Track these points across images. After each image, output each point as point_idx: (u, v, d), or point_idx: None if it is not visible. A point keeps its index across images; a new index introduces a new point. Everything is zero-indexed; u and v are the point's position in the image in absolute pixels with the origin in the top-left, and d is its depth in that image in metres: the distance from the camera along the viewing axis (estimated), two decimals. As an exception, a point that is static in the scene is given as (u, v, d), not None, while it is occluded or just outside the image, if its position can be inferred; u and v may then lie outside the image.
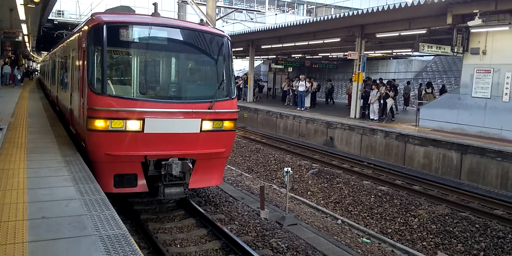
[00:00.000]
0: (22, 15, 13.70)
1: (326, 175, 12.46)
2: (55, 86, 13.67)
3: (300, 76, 22.44)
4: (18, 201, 4.51)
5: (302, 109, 21.44)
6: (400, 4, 12.99)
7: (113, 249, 3.46)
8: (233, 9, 28.02)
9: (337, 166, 13.60)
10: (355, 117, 18.08)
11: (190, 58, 7.78)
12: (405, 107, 24.27)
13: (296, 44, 22.86)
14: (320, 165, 13.81)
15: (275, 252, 6.39)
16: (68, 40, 10.50)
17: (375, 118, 17.20)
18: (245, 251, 5.94)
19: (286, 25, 18.96)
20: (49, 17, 24.66)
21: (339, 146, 16.59)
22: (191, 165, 6.78)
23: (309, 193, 11.80)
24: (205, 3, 18.14)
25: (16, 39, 19.43)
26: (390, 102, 17.58)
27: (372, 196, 10.79)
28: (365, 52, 18.25)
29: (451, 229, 8.86)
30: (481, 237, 8.47)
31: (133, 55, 7.07)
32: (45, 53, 43.78)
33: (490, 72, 12.89)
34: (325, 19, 16.41)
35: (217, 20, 18.91)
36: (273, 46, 25.33)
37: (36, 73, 49.73)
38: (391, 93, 17.73)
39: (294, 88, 23.34)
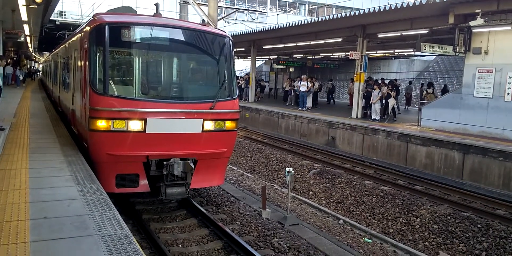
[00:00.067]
0: (24, 16, 13.71)
1: (327, 175, 12.45)
2: (57, 86, 13.71)
3: (302, 76, 22.42)
4: (20, 201, 4.53)
5: (304, 109, 21.43)
6: (402, 4, 12.97)
7: (115, 249, 3.47)
8: (235, 10, 28.01)
9: (339, 166, 13.59)
10: (356, 117, 18.06)
11: (191, 58, 7.79)
12: (407, 107, 24.23)
13: (298, 44, 22.86)
14: (321, 165, 13.80)
15: (277, 252, 6.38)
16: (70, 41, 10.53)
17: (377, 118, 17.18)
18: (246, 251, 5.95)
19: (287, 25, 18.94)
20: (51, 18, 24.69)
21: (341, 146, 16.58)
22: (192, 165, 6.78)
23: (310, 193, 11.79)
24: (206, 3, 18.16)
25: (18, 40, 19.51)
26: (392, 102, 17.55)
27: (374, 196, 10.78)
28: (366, 52, 18.24)
29: (453, 229, 8.84)
30: (483, 237, 8.45)
31: (134, 56, 7.08)
32: (47, 53, 43.84)
33: (492, 72, 12.87)
34: (327, 19, 16.40)
35: (218, 20, 18.94)
36: (274, 46, 25.32)
37: (38, 73, 49.84)
38: (393, 93, 17.71)
39: (295, 88, 23.33)
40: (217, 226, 6.88)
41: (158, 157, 6.71)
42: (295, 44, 23.13)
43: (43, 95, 21.17)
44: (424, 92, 20.71)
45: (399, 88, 23.46)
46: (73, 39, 9.65)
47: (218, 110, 6.98)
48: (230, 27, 30.35)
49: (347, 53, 21.24)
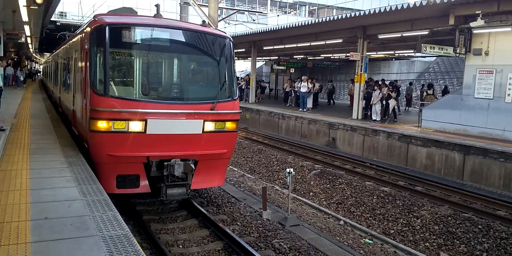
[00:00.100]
0: (24, 17, 13.72)
1: (328, 176, 12.45)
2: (58, 87, 13.72)
3: (302, 77, 22.43)
4: (21, 201, 4.53)
5: (304, 110, 21.43)
6: (402, 5, 12.98)
7: (116, 249, 3.47)
8: (235, 11, 28.08)
9: (340, 167, 13.59)
10: (357, 118, 18.06)
11: (192, 59, 7.80)
12: (407, 108, 24.22)
13: (298, 45, 22.88)
14: (322, 166, 13.80)
15: (277, 253, 6.38)
16: (70, 42, 10.54)
17: (377, 119, 17.18)
18: (247, 252, 5.94)
19: (288, 26, 18.97)
20: (51, 19, 24.74)
21: (341, 147, 16.58)
22: (193, 166, 6.78)
23: (311, 194, 11.79)
24: (207, 4, 18.17)
25: (19, 41, 19.53)
26: (392, 103, 17.55)
27: (375, 197, 10.78)
28: (367, 53, 18.24)
29: (453, 230, 8.84)
30: (484, 238, 8.44)
31: (135, 56, 7.09)
32: (47, 54, 43.93)
33: (492, 73, 12.87)
34: (327, 20, 16.41)
35: (219, 21, 18.94)
36: (275, 47, 25.34)
37: (38, 74, 49.88)
38: (393, 94, 17.70)
39: (296, 89, 23.34)
40: (218, 227, 6.87)
41: (159, 158, 6.71)
42: (295, 45, 23.15)
43: (43, 96, 21.19)
44: (424, 93, 20.71)
45: (400, 89, 23.45)
46: (73, 40, 9.65)
47: (219, 111, 6.99)
48: (230, 28, 30.39)
49: (348, 54, 21.23)
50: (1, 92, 9.66)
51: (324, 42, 20.69)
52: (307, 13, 48.39)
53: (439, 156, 12.72)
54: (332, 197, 11.34)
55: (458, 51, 13.62)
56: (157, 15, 7.49)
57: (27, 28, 17.63)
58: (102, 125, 6.31)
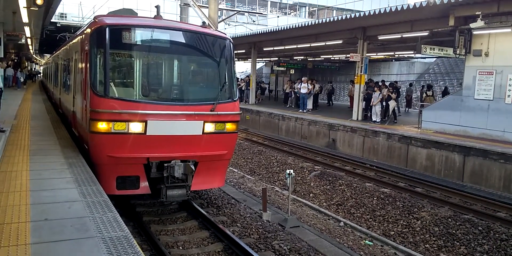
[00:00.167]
0: (25, 18, 13.74)
1: (328, 177, 12.45)
2: (58, 88, 13.72)
3: (302, 78, 22.44)
4: (21, 203, 4.53)
5: (304, 111, 21.43)
6: (402, 6, 12.99)
7: (116, 251, 3.46)
8: (235, 12, 28.12)
9: (340, 168, 13.58)
10: (357, 119, 18.06)
11: (192, 60, 7.81)
12: (407, 109, 24.23)
13: (298, 46, 22.91)
14: (322, 167, 13.79)
15: (277, 255, 6.38)
16: (70, 43, 10.55)
17: (377, 120, 17.17)
18: (247, 253, 5.94)
19: (288, 28, 18.98)
20: (52, 20, 24.73)
21: (341, 148, 16.58)
22: (193, 167, 6.78)
23: (311, 195, 11.78)
24: (207, 5, 18.20)
25: (19, 42, 19.51)
26: (392, 104, 17.55)
27: (375, 198, 10.77)
28: (367, 54, 18.26)
29: (454, 231, 8.83)
30: (484, 239, 8.43)
31: (135, 58, 7.10)
32: (48, 55, 43.92)
33: (492, 74, 12.87)
34: (327, 21, 16.43)
35: (219, 22, 18.97)
36: (275, 48, 25.37)
37: (39, 75, 49.91)
38: (393, 95, 17.70)
39: (296, 90, 23.35)
40: (218, 228, 6.87)
41: (159, 159, 6.71)
42: (295, 46, 23.17)
43: (43, 97, 21.19)
44: (424, 95, 20.72)
45: (400, 90, 23.45)
46: (74, 41, 9.66)
47: (219, 112, 6.99)
48: (230, 29, 30.44)
49: (348, 55, 21.28)
50: (1, 93, 9.66)
51: (324, 43, 20.71)
52: (307, 14, 48.45)
53: (439, 157, 12.72)
54: (332, 198, 11.33)
55: (458, 52, 13.63)
56: (157, 16, 7.50)
57: (27, 29, 17.65)
58: (102, 126, 6.31)
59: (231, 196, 9.28)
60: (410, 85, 25.50)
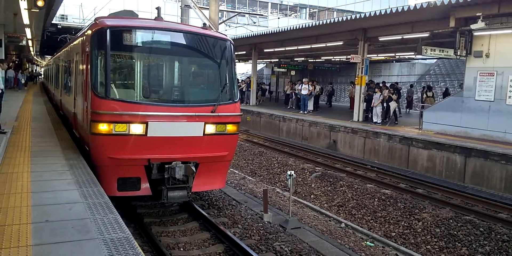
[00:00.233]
0: (26, 20, 13.78)
1: (329, 179, 12.44)
2: (59, 90, 13.74)
3: (303, 80, 22.45)
4: (22, 204, 4.53)
5: (305, 112, 21.43)
6: (403, 7, 13.00)
7: (117, 252, 3.46)
8: (236, 13, 28.15)
9: (341, 170, 13.57)
10: (358, 120, 18.05)
11: (193, 62, 7.82)
12: (408, 110, 24.22)
13: (299, 47, 22.91)
14: (323, 168, 13.78)
15: (279, 256, 6.37)
16: (71, 44, 10.57)
17: (378, 121, 17.17)
18: (248, 255, 5.93)
19: (288, 29, 18.99)
20: (52, 22, 24.82)
21: (342, 149, 16.57)
22: (194, 169, 6.78)
23: (312, 196, 11.77)
24: (208, 7, 18.22)
25: (20, 43, 19.58)
26: (393, 105, 17.55)
27: (376, 200, 10.76)
28: (367, 55, 18.27)
29: (455, 232, 8.81)
30: (485, 240, 8.42)
31: (136, 59, 7.10)
32: (48, 57, 43.99)
33: (493, 75, 12.86)
34: (328, 22, 16.43)
35: (220, 24, 18.98)
36: (275, 49, 25.38)
37: (40, 77, 49.97)
38: (394, 96, 17.71)
39: (297, 92, 23.36)
40: (219, 230, 6.86)
41: (160, 160, 6.71)
42: (296, 48, 23.18)
43: (44, 98, 21.22)
44: (424, 96, 20.71)
45: (400, 91, 23.45)
46: (74, 42, 9.68)
47: (220, 114, 6.99)
48: (231, 31, 30.47)
49: (348, 57, 21.25)
50: (2, 95, 9.67)
51: (324, 45, 20.71)
52: (307, 16, 48.51)
53: (440, 158, 12.71)
54: (333, 199, 11.32)
55: (458, 53, 13.62)
56: (158, 18, 7.51)
57: (28, 31, 17.70)
58: (103, 127, 6.31)
59: (232, 198, 9.28)
60: (411, 86, 25.49)
